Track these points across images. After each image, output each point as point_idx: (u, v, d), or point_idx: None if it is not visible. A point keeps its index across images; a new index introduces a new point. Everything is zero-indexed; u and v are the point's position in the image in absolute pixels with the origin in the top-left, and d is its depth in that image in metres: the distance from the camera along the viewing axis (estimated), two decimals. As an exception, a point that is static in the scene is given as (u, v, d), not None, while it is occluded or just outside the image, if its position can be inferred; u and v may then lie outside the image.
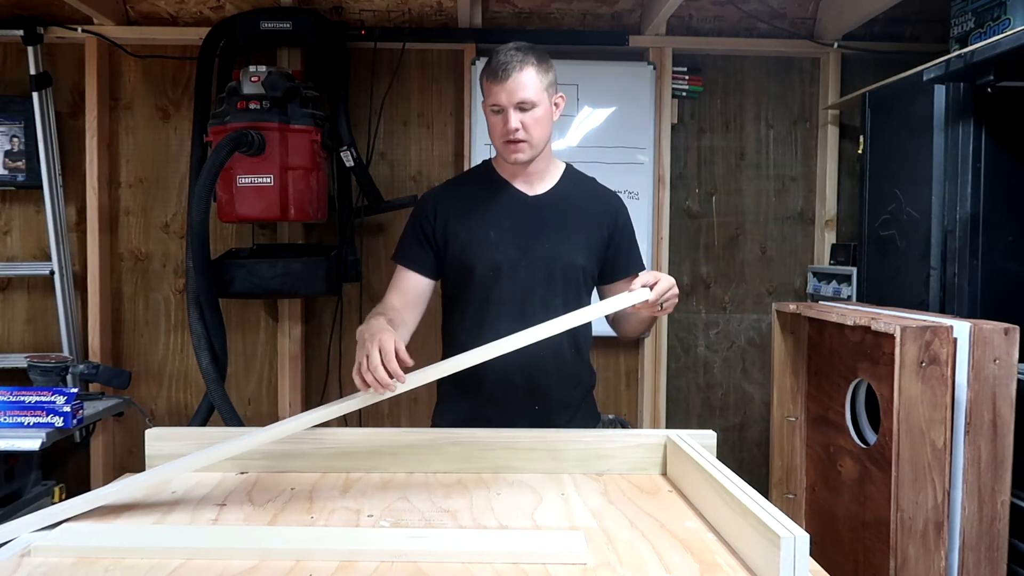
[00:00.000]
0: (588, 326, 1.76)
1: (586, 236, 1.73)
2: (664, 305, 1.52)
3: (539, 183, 1.75)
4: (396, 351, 1.32)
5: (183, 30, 3.06)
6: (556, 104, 1.69)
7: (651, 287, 1.48)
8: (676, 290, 1.51)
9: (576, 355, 1.77)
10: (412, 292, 1.74)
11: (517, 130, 1.61)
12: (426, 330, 1.81)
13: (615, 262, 1.78)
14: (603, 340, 2.72)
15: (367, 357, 1.31)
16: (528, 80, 1.60)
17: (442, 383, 1.82)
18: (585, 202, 1.76)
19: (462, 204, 1.74)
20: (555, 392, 1.74)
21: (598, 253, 1.75)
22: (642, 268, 1.84)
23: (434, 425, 1.78)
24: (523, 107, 1.61)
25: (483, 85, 1.65)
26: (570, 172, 1.80)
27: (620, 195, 1.86)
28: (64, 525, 1.18)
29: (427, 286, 1.76)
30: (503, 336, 1.62)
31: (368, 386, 1.31)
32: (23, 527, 1.19)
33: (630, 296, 1.47)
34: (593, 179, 1.84)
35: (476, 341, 1.66)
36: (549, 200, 1.74)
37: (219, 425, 2.56)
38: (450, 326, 1.80)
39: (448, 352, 1.79)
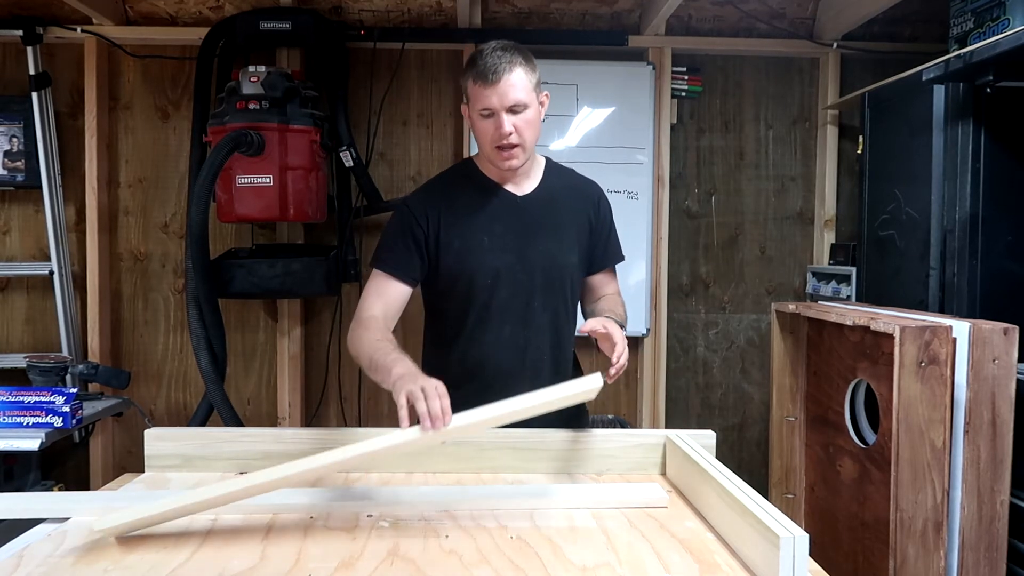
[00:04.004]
0: (572, 326, 1.75)
1: (575, 232, 1.71)
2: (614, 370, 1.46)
3: (526, 182, 1.71)
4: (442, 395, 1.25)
5: (182, 30, 3.05)
6: (542, 103, 1.65)
7: (615, 360, 1.45)
8: (627, 353, 1.48)
9: (570, 357, 1.78)
10: (394, 302, 1.65)
11: (511, 134, 1.56)
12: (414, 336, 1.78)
13: (595, 252, 1.76)
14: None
15: (422, 388, 1.23)
16: (518, 81, 1.55)
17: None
18: (569, 195, 1.74)
19: (452, 210, 1.68)
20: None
21: (584, 246, 1.73)
22: (620, 259, 1.81)
23: None
24: (515, 110, 1.56)
25: (469, 89, 1.58)
26: (551, 166, 1.77)
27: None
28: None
29: (408, 295, 1.68)
30: (505, 341, 1.65)
31: (416, 420, 1.22)
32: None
33: (584, 384, 1.33)
34: (572, 170, 1.81)
35: (480, 349, 1.66)
36: (537, 199, 1.70)
37: (219, 425, 2.56)
38: (445, 333, 1.73)
39: (438, 358, 1.73)
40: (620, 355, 1.45)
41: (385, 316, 1.63)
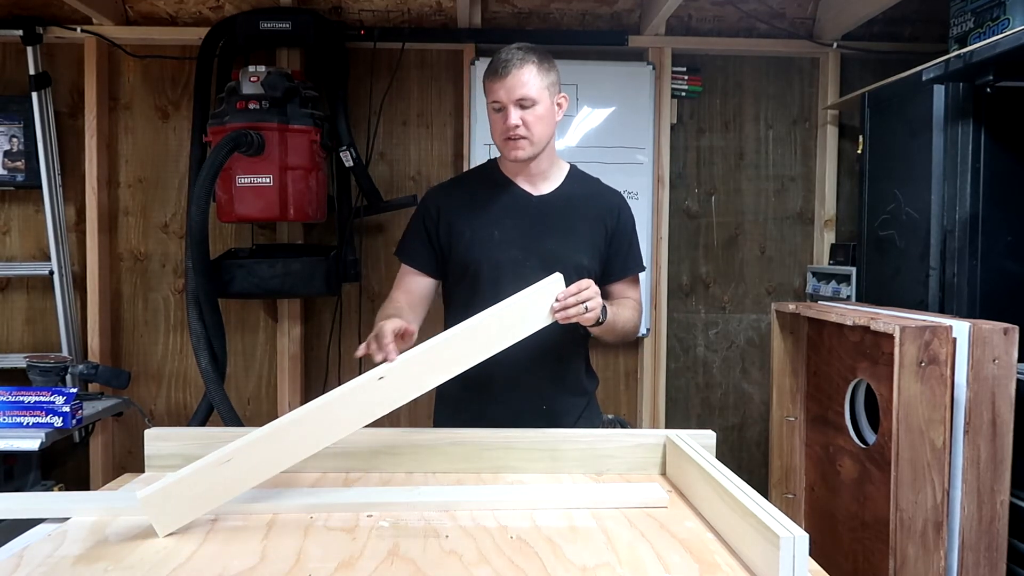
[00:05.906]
0: (581, 326, 1.76)
1: (589, 235, 1.74)
2: (576, 310, 1.47)
3: (543, 183, 1.75)
4: (395, 330, 1.42)
5: (182, 30, 3.06)
6: (559, 104, 1.70)
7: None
8: (586, 296, 1.47)
9: (580, 354, 1.79)
10: (417, 292, 1.75)
11: (517, 126, 1.62)
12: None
13: (614, 261, 1.78)
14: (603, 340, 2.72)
15: (375, 335, 1.42)
16: (528, 77, 1.61)
17: (443, 390, 1.81)
18: (588, 201, 1.77)
19: (465, 203, 1.74)
20: (561, 401, 1.74)
21: (601, 252, 1.76)
22: (642, 269, 1.84)
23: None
24: (523, 104, 1.62)
25: (485, 84, 1.67)
26: (574, 173, 1.81)
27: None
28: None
29: (431, 286, 1.77)
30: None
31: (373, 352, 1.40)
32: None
33: (544, 283, 1.46)
34: (597, 179, 1.85)
35: None
36: (553, 200, 1.74)
37: (218, 425, 2.56)
38: (454, 322, 1.76)
39: None
40: (569, 292, 1.46)
41: (409, 303, 1.72)
